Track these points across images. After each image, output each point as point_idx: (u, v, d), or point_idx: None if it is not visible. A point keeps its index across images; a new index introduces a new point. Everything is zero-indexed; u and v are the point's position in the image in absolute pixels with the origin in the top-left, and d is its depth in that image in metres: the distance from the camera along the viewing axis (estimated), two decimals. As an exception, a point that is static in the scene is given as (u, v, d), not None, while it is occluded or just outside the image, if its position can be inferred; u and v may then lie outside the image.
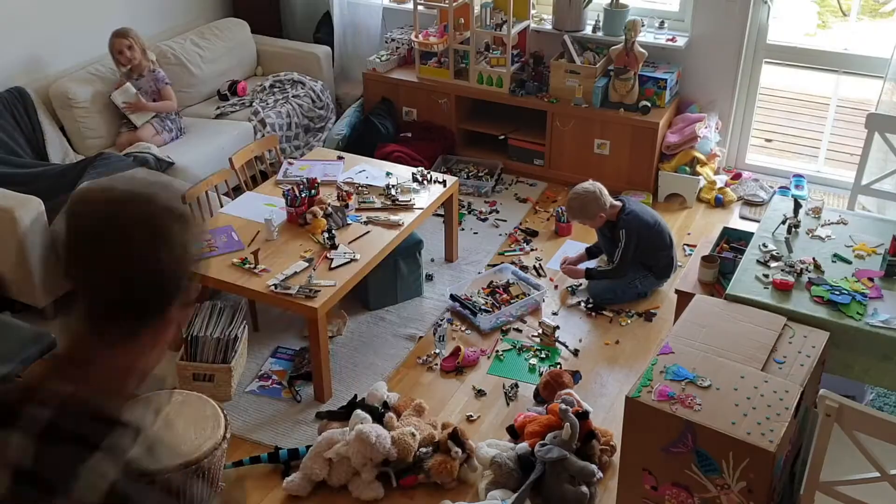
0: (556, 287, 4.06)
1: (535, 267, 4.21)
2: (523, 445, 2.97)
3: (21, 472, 1.01)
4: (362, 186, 3.93)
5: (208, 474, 2.57)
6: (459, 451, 2.97)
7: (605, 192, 3.81)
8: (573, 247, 4.36)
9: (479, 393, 3.42)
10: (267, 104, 4.91)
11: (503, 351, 3.65)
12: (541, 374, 3.41)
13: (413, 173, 4.03)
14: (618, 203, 3.83)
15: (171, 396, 2.76)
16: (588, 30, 4.87)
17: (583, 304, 3.94)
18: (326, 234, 3.48)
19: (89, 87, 4.38)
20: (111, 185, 1.13)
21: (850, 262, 2.91)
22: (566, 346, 3.66)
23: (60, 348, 1.15)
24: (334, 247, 3.46)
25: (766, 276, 2.84)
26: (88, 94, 4.36)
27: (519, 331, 3.78)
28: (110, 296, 1.10)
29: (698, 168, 4.69)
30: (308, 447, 3.02)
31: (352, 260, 3.40)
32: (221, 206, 3.89)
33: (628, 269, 3.85)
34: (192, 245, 1.12)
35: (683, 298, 3.20)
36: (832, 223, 3.14)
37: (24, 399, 1.06)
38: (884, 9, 6.60)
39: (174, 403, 2.72)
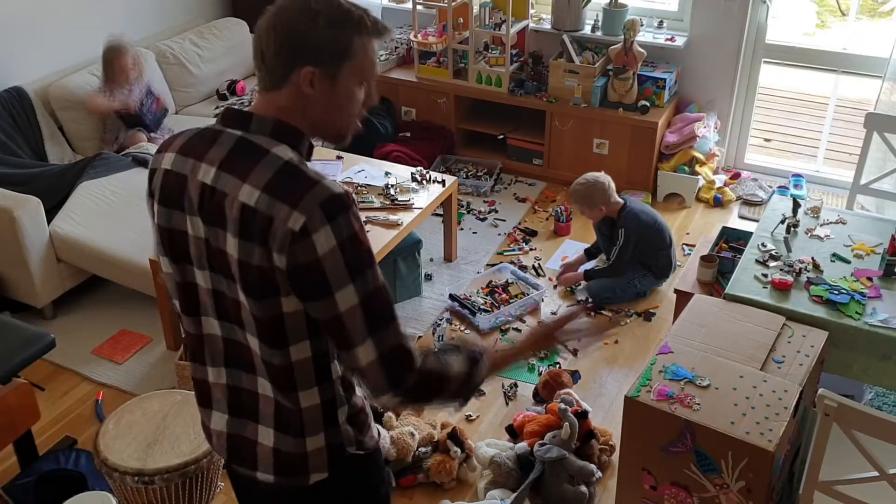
0: (555, 287, 4.06)
1: (534, 266, 4.21)
2: (522, 445, 2.97)
3: (238, 146, 1.46)
4: (361, 186, 3.93)
5: (207, 474, 2.57)
6: (458, 450, 2.98)
7: (613, 186, 3.82)
8: (572, 246, 4.36)
9: (478, 392, 3.42)
10: (266, 104, 4.91)
11: (502, 350, 3.64)
12: (540, 374, 3.42)
13: (412, 173, 4.03)
14: (620, 200, 3.84)
15: (169, 396, 2.76)
16: (587, 29, 4.87)
17: (582, 303, 3.94)
18: (325, 234, 3.48)
19: (88, 88, 4.36)
20: None
21: (848, 262, 2.92)
22: (565, 346, 3.66)
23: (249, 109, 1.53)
24: (333, 246, 3.45)
25: (765, 275, 2.85)
26: (87, 94, 4.35)
27: (518, 330, 3.78)
28: (267, 51, 1.44)
29: (697, 168, 4.70)
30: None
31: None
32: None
33: (626, 267, 3.85)
34: (325, 31, 1.43)
35: (682, 298, 3.20)
36: (831, 223, 3.14)
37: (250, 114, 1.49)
38: (882, 8, 6.60)
39: (173, 403, 2.71)
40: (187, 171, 1.48)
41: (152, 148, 4.33)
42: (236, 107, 1.57)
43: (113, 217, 3.83)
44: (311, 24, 1.42)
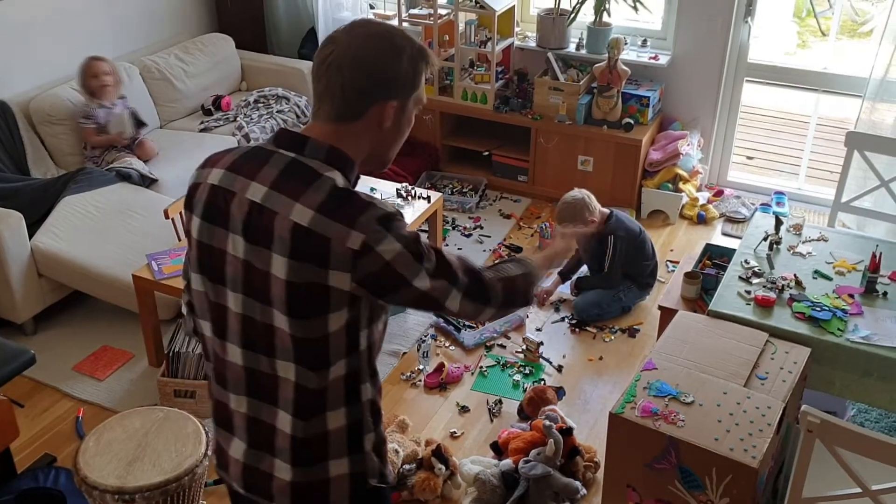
0: (539, 306, 4.07)
1: (518, 283, 4.21)
2: (507, 462, 2.96)
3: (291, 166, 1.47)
4: (346, 202, 3.92)
5: (189, 492, 2.55)
6: (443, 467, 2.96)
7: (593, 197, 3.84)
8: (557, 263, 4.37)
9: (463, 409, 3.41)
10: (251, 119, 4.91)
11: (487, 367, 3.64)
12: (525, 391, 3.41)
13: (397, 189, 4.03)
14: (606, 210, 3.87)
15: (151, 413, 2.73)
16: (572, 47, 4.91)
17: (566, 319, 3.94)
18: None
19: (69, 104, 4.32)
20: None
21: (830, 279, 2.94)
22: (550, 362, 3.66)
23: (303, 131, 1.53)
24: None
25: (748, 292, 2.86)
26: (70, 109, 4.32)
27: (503, 347, 3.77)
28: (348, 85, 1.45)
29: (681, 185, 4.73)
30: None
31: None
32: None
33: (619, 276, 3.86)
34: (394, 70, 1.48)
35: (666, 314, 3.21)
36: (813, 240, 3.16)
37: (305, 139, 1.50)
38: (862, 29, 6.70)
39: (155, 420, 2.69)
40: (236, 189, 1.47)
41: (136, 163, 4.31)
42: (290, 128, 1.59)
43: (95, 232, 3.81)
44: (398, 61, 1.47)
